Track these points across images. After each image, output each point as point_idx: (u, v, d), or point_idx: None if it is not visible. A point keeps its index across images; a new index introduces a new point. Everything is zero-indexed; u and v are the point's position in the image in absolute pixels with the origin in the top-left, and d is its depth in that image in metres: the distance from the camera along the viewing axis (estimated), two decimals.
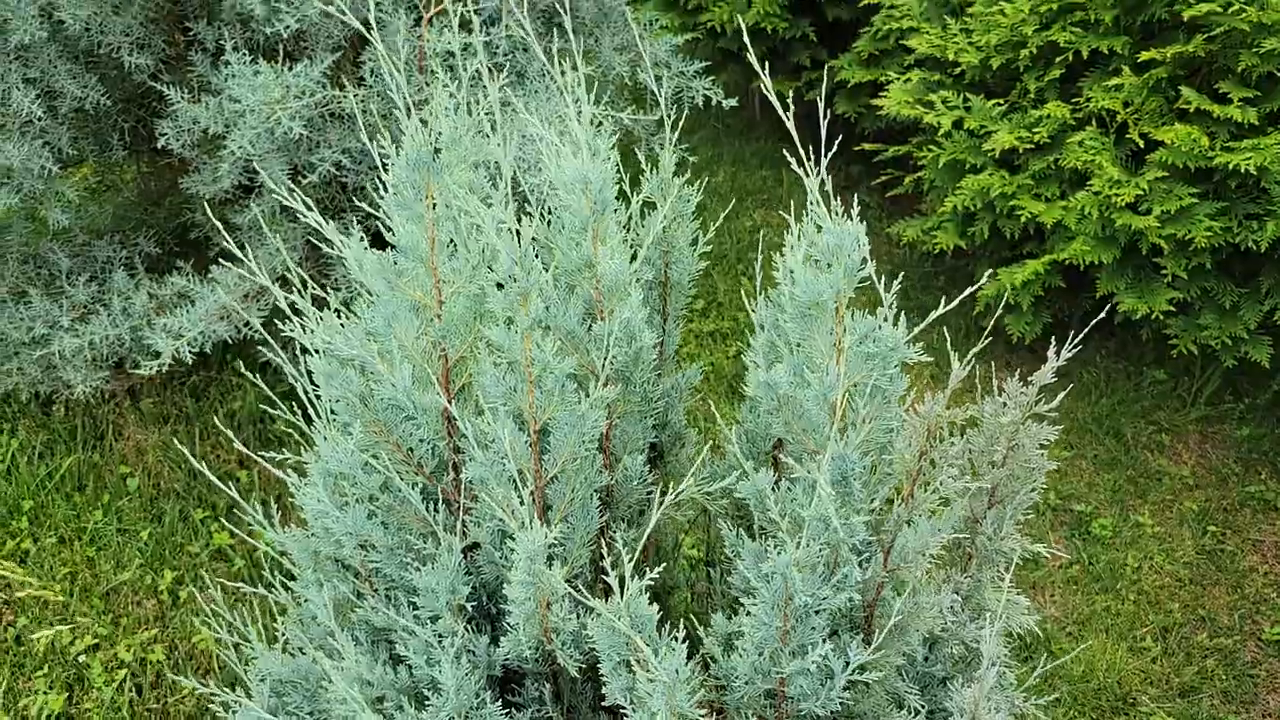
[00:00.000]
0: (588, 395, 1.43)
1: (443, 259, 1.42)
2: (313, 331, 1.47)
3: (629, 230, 2.05)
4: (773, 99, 1.48)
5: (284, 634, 1.70)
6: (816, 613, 1.35)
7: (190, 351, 3.03)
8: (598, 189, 1.39)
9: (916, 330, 1.32)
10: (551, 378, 1.36)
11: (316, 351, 1.48)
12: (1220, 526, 3.80)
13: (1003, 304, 4.26)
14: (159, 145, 3.08)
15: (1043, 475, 1.55)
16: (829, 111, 5.39)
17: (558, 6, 2.67)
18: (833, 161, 5.97)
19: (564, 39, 3.26)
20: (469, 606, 1.51)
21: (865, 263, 1.29)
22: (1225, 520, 3.83)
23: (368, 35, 1.42)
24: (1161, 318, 3.93)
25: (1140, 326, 4.23)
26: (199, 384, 3.85)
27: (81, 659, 3.00)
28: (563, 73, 1.65)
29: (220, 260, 3.30)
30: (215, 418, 3.72)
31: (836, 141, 5.85)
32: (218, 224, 1.94)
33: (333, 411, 1.52)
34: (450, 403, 1.49)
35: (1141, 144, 3.70)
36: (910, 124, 4.67)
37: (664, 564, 2.33)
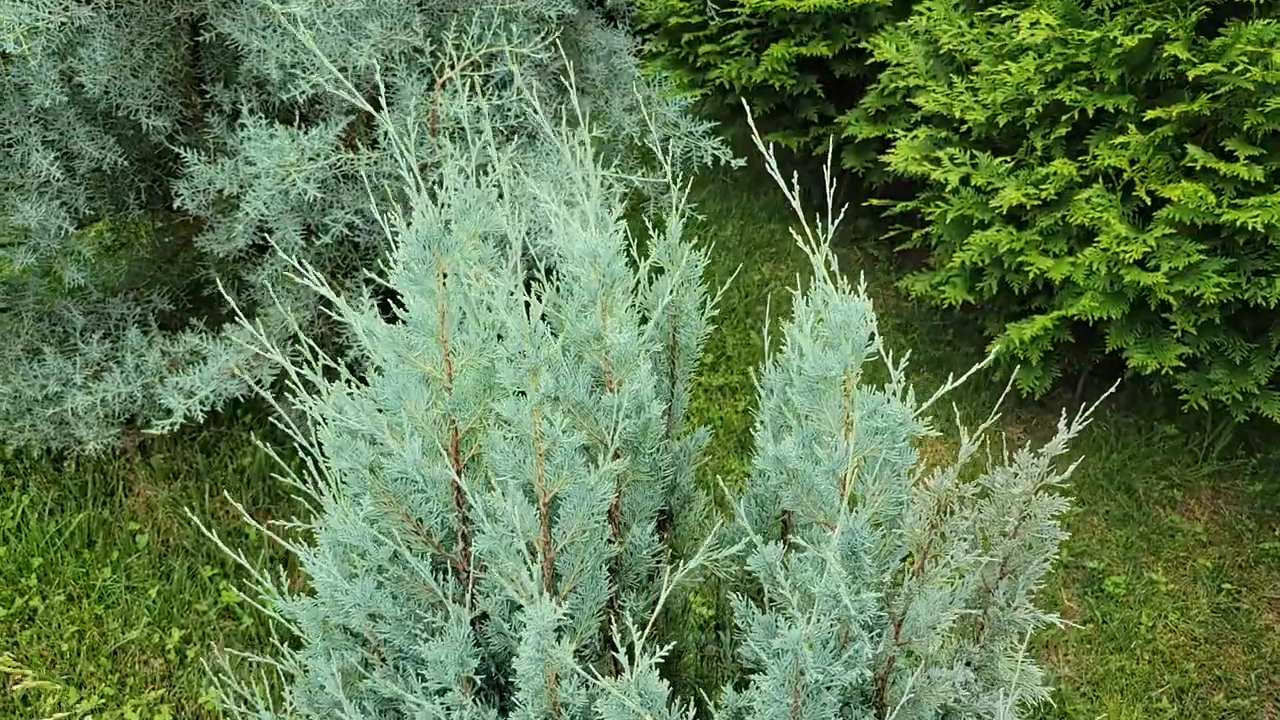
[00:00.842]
0: (597, 466, 1.43)
1: (453, 331, 1.43)
2: (322, 401, 1.47)
3: (637, 294, 2.07)
4: (772, 167, 1.50)
5: (291, 703, 1.69)
6: (828, 689, 1.34)
7: (202, 410, 3.04)
8: (606, 262, 1.40)
9: (924, 407, 1.32)
10: (561, 451, 1.37)
11: (326, 422, 1.48)
12: (1235, 584, 3.77)
13: (1011, 358, 4.26)
14: (174, 205, 3.11)
15: (1056, 545, 1.54)
16: (836, 165, 5.44)
17: (568, 82, 2.71)
18: (841, 212, 6.02)
19: (580, 100, 3.31)
20: (477, 679, 1.50)
21: (873, 338, 1.30)
22: (1240, 578, 3.80)
23: (374, 111, 1.44)
24: (1171, 373, 3.93)
25: (1150, 381, 4.23)
26: (210, 439, 3.86)
27: (88, 719, 2.99)
28: (561, 135, 1.68)
29: (233, 318, 3.33)
30: (225, 474, 3.73)
31: (844, 194, 5.88)
32: (223, 292, 1.95)
33: (342, 481, 1.53)
34: (460, 475, 1.49)
35: (1148, 201, 3.72)
36: (918, 179, 4.71)
37: (673, 628, 2.32)
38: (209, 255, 3.39)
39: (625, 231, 2.25)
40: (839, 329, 1.29)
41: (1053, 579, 3.81)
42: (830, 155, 5.53)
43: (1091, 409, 1.60)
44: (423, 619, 1.52)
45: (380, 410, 1.47)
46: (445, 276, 1.41)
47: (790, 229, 5.79)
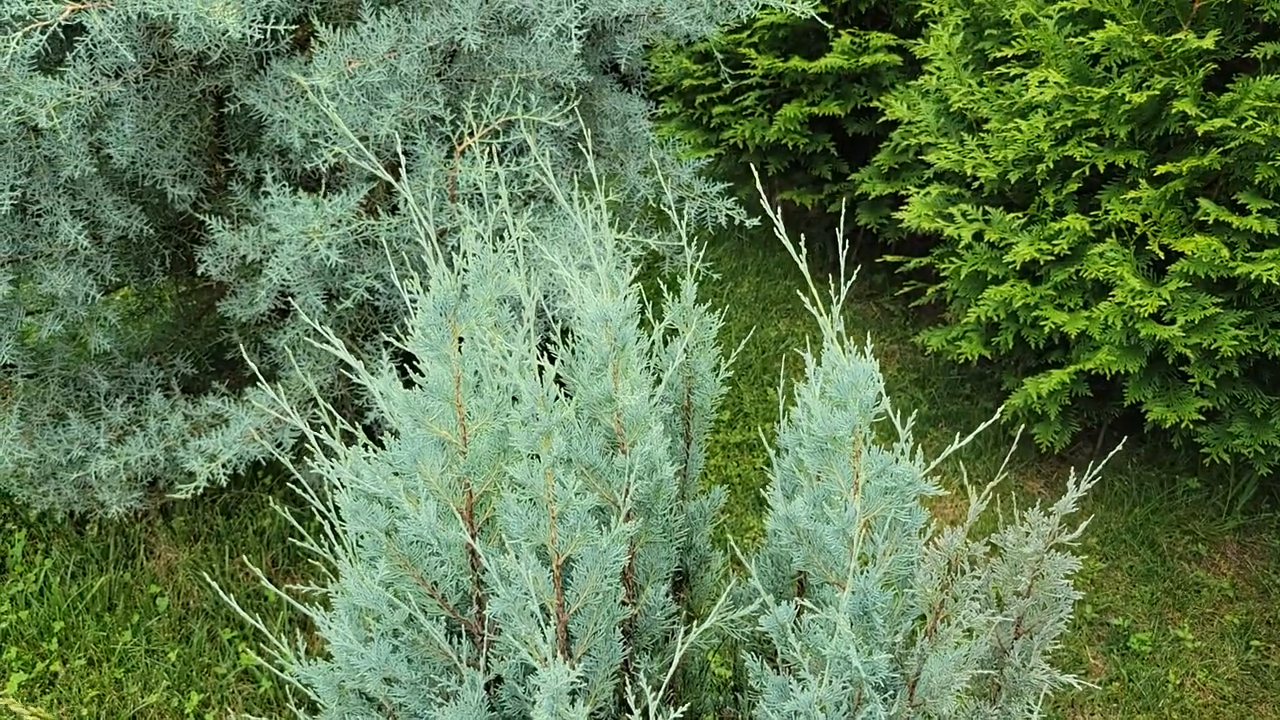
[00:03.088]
0: (609, 528, 1.45)
1: (468, 395, 1.46)
2: (339, 465, 1.50)
3: (651, 356, 2.10)
4: (780, 230, 1.52)
5: None
6: None
7: (224, 474, 3.07)
8: (618, 325, 1.43)
9: (934, 464, 1.33)
10: (574, 513, 1.38)
11: (343, 486, 1.51)
12: (1264, 640, 3.71)
13: (1030, 414, 4.25)
14: (198, 271, 3.17)
15: (1070, 605, 1.54)
16: (850, 222, 5.48)
17: (584, 146, 2.77)
18: (855, 270, 6.05)
19: (595, 165, 3.36)
20: None
21: (880, 399, 1.31)
22: (1269, 634, 3.74)
23: (393, 180, 1.48)
24: (1192, 426, 3.91)
25: (1171, 435, 4.21)
26: (230, 501, 3.89)
27: None
28: (582, 201, 1.71)
29: (255, 381, 3.37)
30: (245, 536, 3.75)
31: (858, 251, 5.91)
32: (245, 356, 1.99)
33: (358, 544, 1.55)
34: (474, 538, 1.51)
35: (1162, 255, 3.73)
36: (931, 235, 4.74)
37: (690, 689, 2.31)
38: (231, 320, 3.45)
39: (640, 294, 2.28)
40: (847, 389, 1.31)
41: (1077, 636, 3.76)
42: (845, 212, 5.57)
43: (1102, 465, 1.60)
44: (437, 683, 1.52)
45: (396, 474, 1.49)
46: (461, 341, 1.43)
47: (804, 287, 5.83)
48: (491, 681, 1.58)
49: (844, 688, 1.30)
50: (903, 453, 1.34)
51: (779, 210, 6.14)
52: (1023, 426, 3.07)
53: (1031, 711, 1.57)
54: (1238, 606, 3.86)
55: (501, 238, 1.66)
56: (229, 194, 3.25)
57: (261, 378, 1.84)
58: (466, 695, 1.45)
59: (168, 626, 3.47)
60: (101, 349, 3.30)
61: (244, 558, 3.38)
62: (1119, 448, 3.61)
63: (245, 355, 1.95)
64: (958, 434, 4.64)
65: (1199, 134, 3.62)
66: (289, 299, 3.17)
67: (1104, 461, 1.60)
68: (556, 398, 1.37)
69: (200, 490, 3.03)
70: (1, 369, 3.27)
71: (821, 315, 1.36)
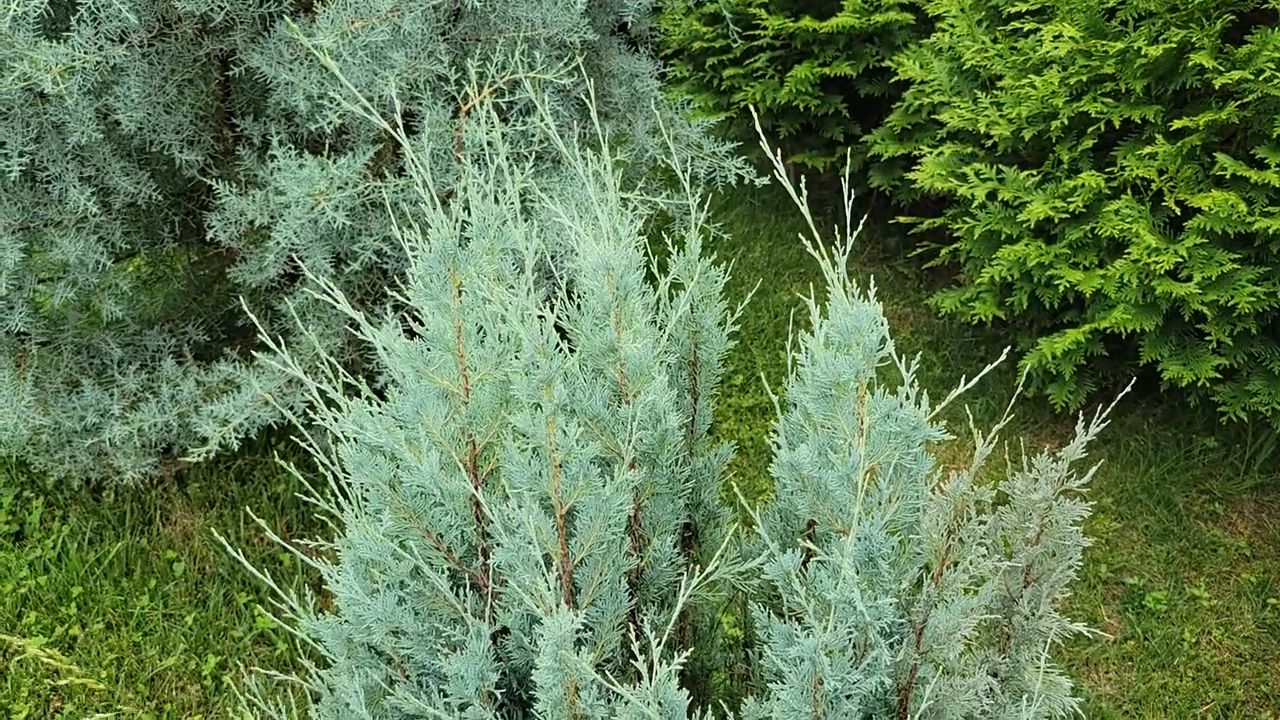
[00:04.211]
0: (613, 478, 1.44)
1: (470, 346, 1.45)
2: (342, 420, 1.50)
3: (658, 312, 2.08)
4: (780, 175, 1.50)
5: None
6: (848, 697, 1.33)
7: (236, 438, 3.09)
8: (620, 274, 1.41)
9: (940, 408, 1.32)
10: (576, 462, 1.38)
11: (348, 439, 1.50)
12: None
13: (1044, 374, 4.23)
14: (207, 237, 3.17)
15: (1079, 553, 1.53)
16: (863, 184, 5.44)
17: (588, 99, 2.74)
18: (869, 234, 6.01)
19: (600, 124, 3.34)
20: (498, 693, 1.51)
21: (884, 342, 1.30)
22: None
23: (397, 136, 1.47)
24: (1209, 385, 3.87)
25: (1187, 394, 4.17)
26: (244, 467, 3.91)
27: None
28: (589, 161, 1.70)
29: (266, 347, 3.37)
30: (259, 501, 3.77)
31: (870, 214, 5.87)
32: (254, 320, 1.99)
33: (364, 498, 1.55)
34: (478, 488, 1.51)
35: (1178, 211, 3.69)
36: (944, 195, 4.70)
37: (700, 646, 2.31)
38: (242, 286, 3.45)
39: (645, 248, 2.27)
40: (849, 333, 1.29)
41: (1091, 595, 3.75)
42: (858, 174, 5.52)
43: (1109, 409, 1.59)
44: (443, 634, 1.52)
45: (400, 426, 1.49)
46: (461, 292, 1.42)
47: (818, 248, 5.80)
48: (498, 633, 1.59)
49: (849, 633, 1.29)
50: (907, 398, 1.33)
51: (791, 173, 6.09)
52: (1036, 388, 3.06)
53: (1040, 659, 1.56)
54: (1255, 565, 3.84)
55: (500, 200, 1.65)
56: (236, 159, 3.25)
57: (273, 340, 1.83)
58: (473, 645, 1.45)
59: (184, 591, 3.50)
60: (114, 316, 3.31)
61: (258, 518, 3.40)
62: (1127, 408, 3.57)
63: (255, 320, 1.95)
64: (974, 397, 4.62)
65: (1216, 87, 3.56)
66: (298, 264, 3.16)
67: (1111, 407, 1.59)
68: (558, 347, 1.36)
69: (213, 454, 3.04)
70: (15, 337, 3.29)
71: (824, 258, 1.34)
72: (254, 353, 2.53)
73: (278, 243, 2.80)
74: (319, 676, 1.77)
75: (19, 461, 3.80)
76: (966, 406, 1.24)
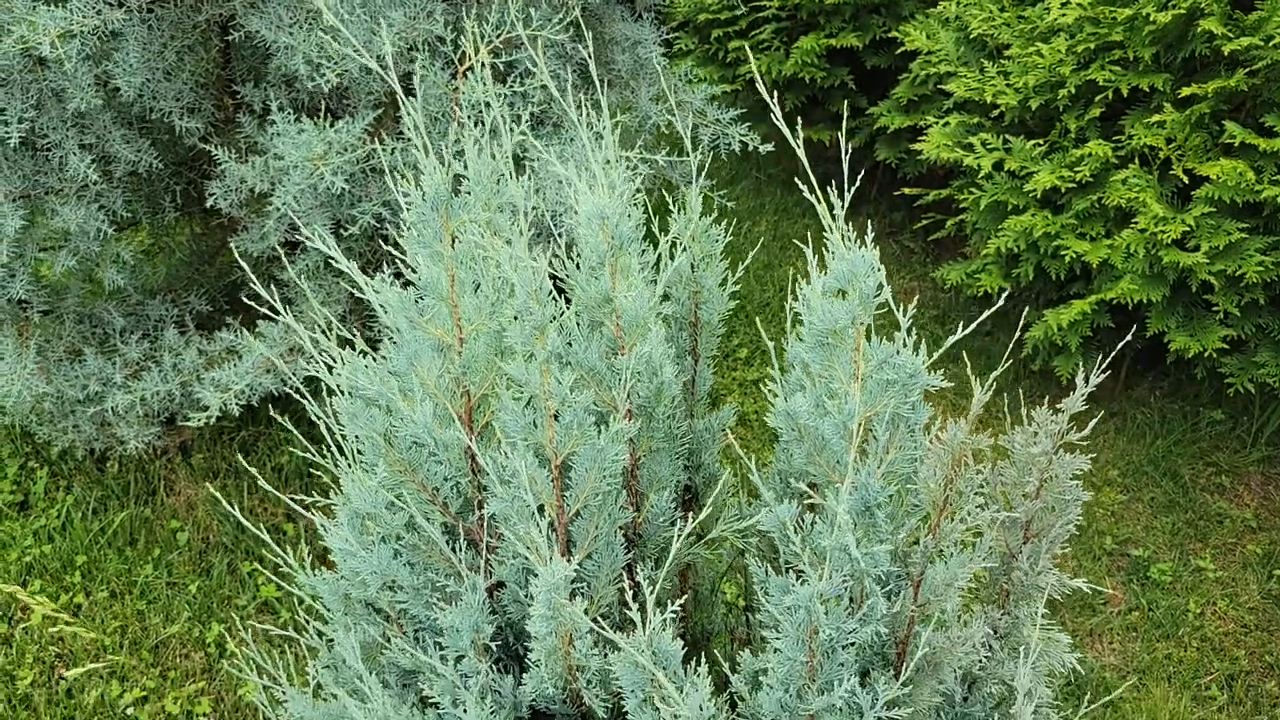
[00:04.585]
0: (608, 429, 1.43)
1: (465, 296, 1.44)
2: (338, 373, 1.49)
3: (658, 271, 2.07)
4: (796, 145, 1.49)
5: (314, 677, 1.71)
6: (844, 647, 1.32)
7: (237, 404, 3.08)
8: (615, 223, 1.40)
9: (936, 355, 1.31)
10: (570, 412, 1.37)
11: (342, 392, 1.49)
12: None
13: (1050, 345, 4.20)
14: (209, 205, 3.16)
15: (1078, 508, 1.51)
16: (869, 158, 5.40)
17: (587, 54, 2.72)
18: (875, 208, 5.97)
19: (603, 90, 3.32)
20: (494, 646, 1.50)
21: (881, 288, 1.28)
22: None
23: (402, 95, 1.45)
24: (1216, 356, 3.85)
25: (1194, 365, 4.14)
26: (248, 439, 3.91)
27: (130, 711, 3.03)
28: (578, 111, 1.68)
29: (268, 315, 3.37)
30: (263, 472, 3.78)
31: (877, 189, 5.81)
32: (256, 285, 1.98)
33: (359, 451, 1.54)
34: (473, 439, 1.50)
35: (1186, 180, 3.65)
36: (951, 168, 4.66)
37: (701, 609, 2.31)
38: (244, 256, 3.44)
39: (646, 206, 2.24)
40: (846, 279, 1.28)
41: (1096, 567, 3.74)
42: (864, 148, 5.48)
43: (1106, 362, 1.57)
44: (439, 587, 1.52)
45: (395, 378, 1.48)
46: (455, 240, 1.41)
47: (823, 226, 5.76)
48: (493, 587, 1.58)
49: (844, 581, 1.28)
50: (905, 344, 1.31)
51: (799, 148, 6.05)
52: (1042, 360, 3.02)
53: (1041, 616, 1.55)
54: (1260, 536, 3.82)
55: (495, 155, 1.63)
56: (237, 127, 3.23)
57: (278, 306, 1.83)
58: (468, 598, 1.45)
59: (188, 560, 3.50)
60: (115, 285, 3.31)
61: (264, 484, 3.41)
62: (1134, 381, 3.53)
63: (258, 286, 1.94)
64: (982, 370, 4.60)
65: (1225, 54, 3.52)
66: (299, 232, 3.15)
67: (1108, 361, 1.57)
68: (551, 294, 1.35)
69: (216, 423, 3.04)
70: (17, 305, 3.28)
71: (820, 202, 1.32)
72: (257, 321, 2.53)
73: (277, 209, 2.78)
74: (318, 633, 1.77)
75: (23, 432, 3.81)
76: (955, 336, 1.21)
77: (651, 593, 1.25)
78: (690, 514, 2.19)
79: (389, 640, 1.65)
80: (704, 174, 2.16)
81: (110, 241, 3.27)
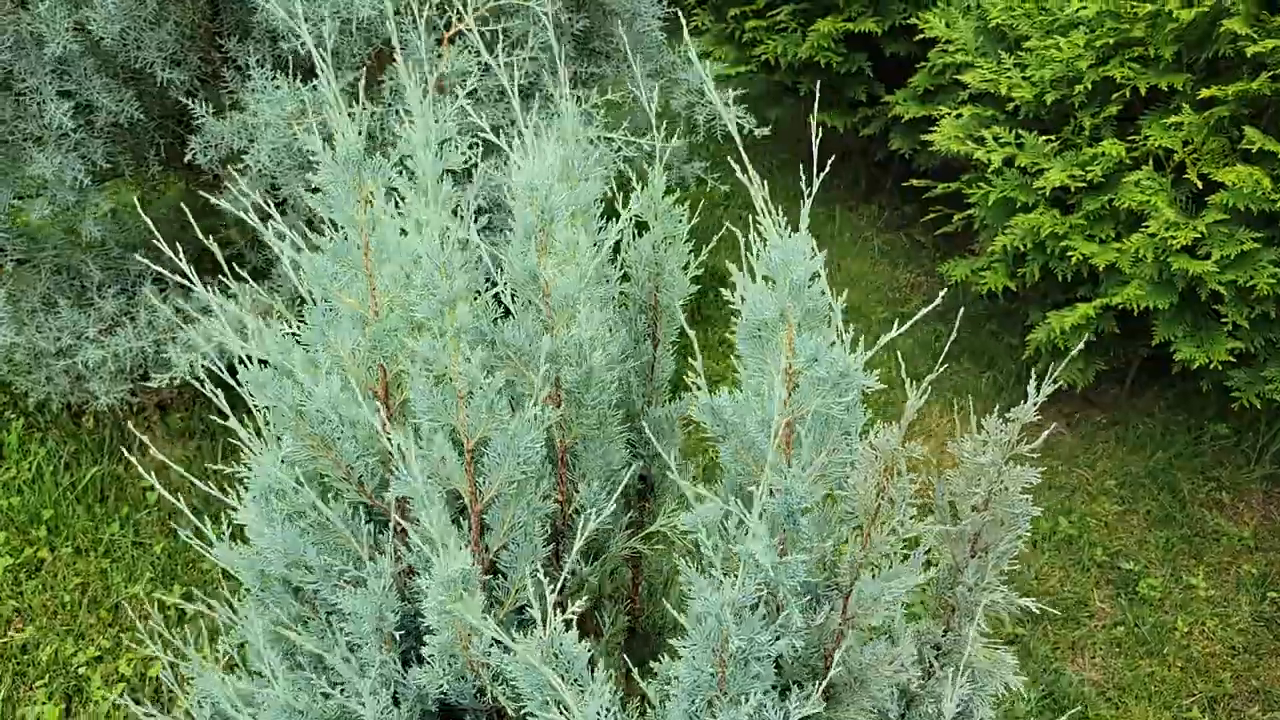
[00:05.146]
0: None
1: (378, 263, 1.35)
2: (248, 341, 1.41)
3: (618, 252, 1.98)
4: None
5: (224, 654, 1.64)
6: (757, 659, 1.24)
7: (204, 366, 3.02)
8: (544, 195, 1.31)
9: (871, 352, 1.21)
10: (481, 393, 1.28)
11: (249, 359, 1.42)
12: None
13: (1052, 348, 4.08)
14: (186, 160, 3.09)
15: (1028, 523, 1.42)
16: (885, 148, 5.28)
17: (578, 28, 2.62)
18: (887, 199, 5.84)
19: (596, 64, 3.22)
20: (399, 636, 1.43)
21: (816, 278, 1.19)
22: None
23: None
24: (1222, 368, 3.72)
25: (1200, 377, 4.02)
26: (229, 400, 3.85)
27: (82, 671, 2.98)
28: (580, 100, 1.59)
29: (252, 278, 3.30)
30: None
31: (892, 179, 5.66)
32: (214, 248, 1.91)
33: (266, 423, 1.46)
34: (390, 419, 1.42)
35: (1200, 185, 3.52)
36: (966, 162, 4.54)
37: (654, 604, 2.23)
38: (228, 215, 3.37)
39: (612, 185, 2.15)
40: (777, 268, 1.19)
41: (1084, 578, 3.64)
42: (879, 137, 5.34)
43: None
44: (346, 570, 1.44)
45: (303, 345, 1.40)
46: (370, 203, 1.33)
47: (835, 212, 5.65)
48: (405, 572, 1.50)
49: (758, 590, 1.19)
50: (840, 341, 1.22)
51: (811, 136, 5.92)
52: (1045, 364, 2.92)
53: (986, 633, 1.46)
54: (1257, 557, 3.70)
55: (499, 134, 1.55)
56: (222, 82, 3.16)
57: (221, 264, 1.76)
58: (372, 583, 1.37)
59: (156, 520, 3.45)
60: (94, 238, 3.25)
61: (240, 445, 3.33)
62: (1139, 390, 3.40)
63: (213, 246, 1.87)
64: (984, 370, 4.49)
65: (1249, 56, 3.38)
66: (280, 193, 3.08)
67: (1064, 363, 1.47)
68: (463, 265, 1.26)
69: (179, 382, 2.98)
70: None
71: (751, 183, 1.23)
72: (239, 284, 2.45)
73: (249, 166, 2.71)
74: (230, 606, 1.70)
75: (1, 382, 3.77)
76: (891, 334, 1.12)
77: (553, 591, 1.17)
78: (645, 505, 2.11)
79: (305, 622, 1.58)
80: (707, 158, 2.07)
81: (89, 192, 3.21)
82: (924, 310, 1.21)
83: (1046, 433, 1.35)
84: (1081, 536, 3.79)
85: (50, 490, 3.48)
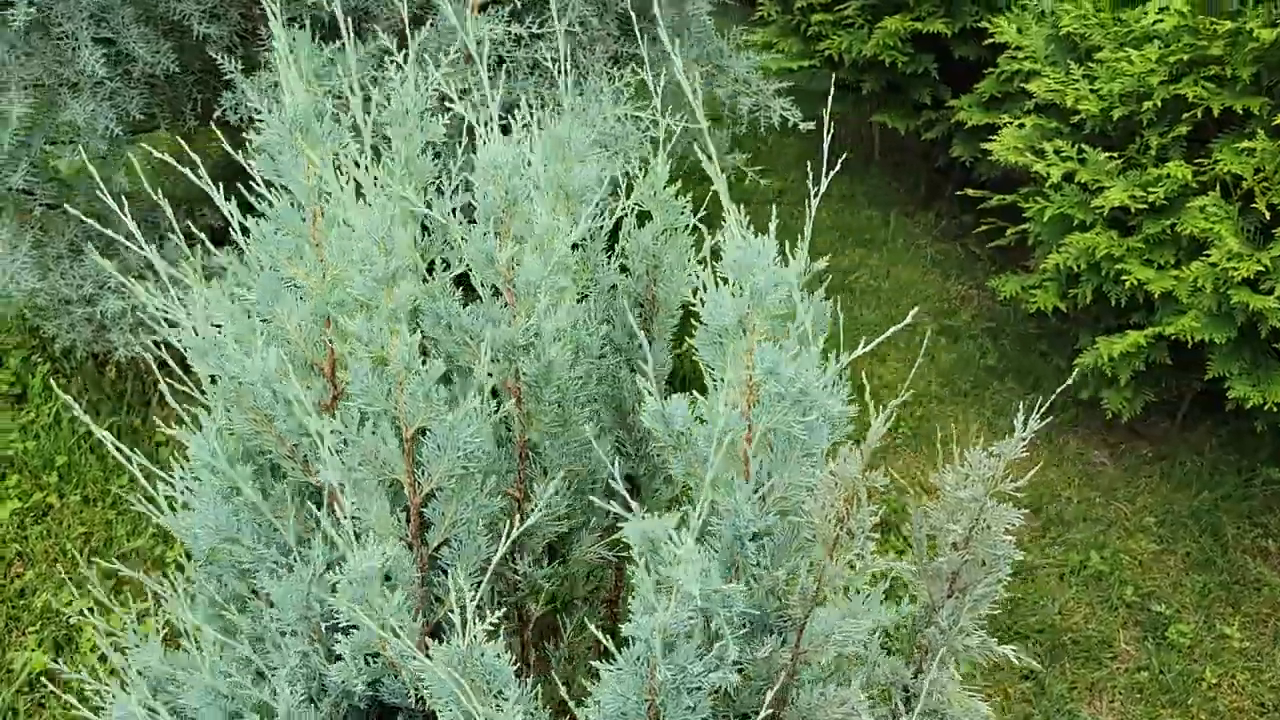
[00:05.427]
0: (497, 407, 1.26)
1: (334, 236, 1.28)
2: (189, 306, 1.35)
3: (617, 241, 1.89)
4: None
5: (161, 629, 1.59)
6: (690, 691, 1.14)
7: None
8: (507, 175, 1.22)
9: (839, 368, 1.11)
10: (416, 379, 1.20)
11: (188, 327, 1.35)
12: None
13: (1100, 376, 3.91)
14: (216, 116, 3.06)
15: (1009, 566, 1.30)
16: (946, 155, 5.11)
17: (629, 10, 2.53)
18: (945, 207, 5.66)
19: (634, 45, 3.12)
20: (325, 628, 1.36)
21: (778, 286, 1.09)
22: None
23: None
24: (1279, 409, 3.52)
25: (1256, 417, 3.81)
26: None
27: (73, 621, 2.98)
28: (612, 78, 1.50)
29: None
30: None
31: (952, 187, 5.47)
32: (223, 207, 1.85)
33: (203, 393, 1.40)
34: (337, 398, 1.34)
35: (1269, 216, 3.32)
36: (1025, 173, 4.36)
37: (623, 607, 2.14)
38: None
39: (619, 173, 2.05)
40: (739, 271, 1.09)
41: (1112, 618, 3.47)
42: (941, 142, 5.17)
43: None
44: (275, 554, 1.38)
45: (249, 316, 1.34)
46: (318, 172, 1.25)
47: (889, 217, 5.48)
48: (340, 560, 1.43)
49: (690, 617, 1.10)
50: (802, 351, 1.12)
51: (876, 137, 5.76)
52: (1092, 391, 2.77)
53: (958, 680, 1.35)
54: None
55: (513, 111, 1.47)
56: (259, 39, 3.12)
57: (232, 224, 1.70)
58: (298, 570, 1.30)
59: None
60: (123, 189, 3.23)
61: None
62: (1191, 424, 3.22)
63: (220, 201, 1.81)
64: (1029, 391, 4.32)
65: None
66: None
67: (1057, 395, 1.35)
68: (403, 241, 1.18)
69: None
70: (20, 194, 3.23)
71: (717, 177, 1.13)
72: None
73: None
74: (182, 578, 1.65)
75: (31, 327, 3.79)
76: (857, 351, 1.03)
77: (473, 599, 1.09)
78: (629, 508, 2.02)
79: (245, 602, 1.51)
80: (755, 155, 1.97)
81: (120, 143, 3.19)
82: (927, 331, 1.10)
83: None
84: (1113, 573, 3.62)
85: (66, 437, 3.49)
